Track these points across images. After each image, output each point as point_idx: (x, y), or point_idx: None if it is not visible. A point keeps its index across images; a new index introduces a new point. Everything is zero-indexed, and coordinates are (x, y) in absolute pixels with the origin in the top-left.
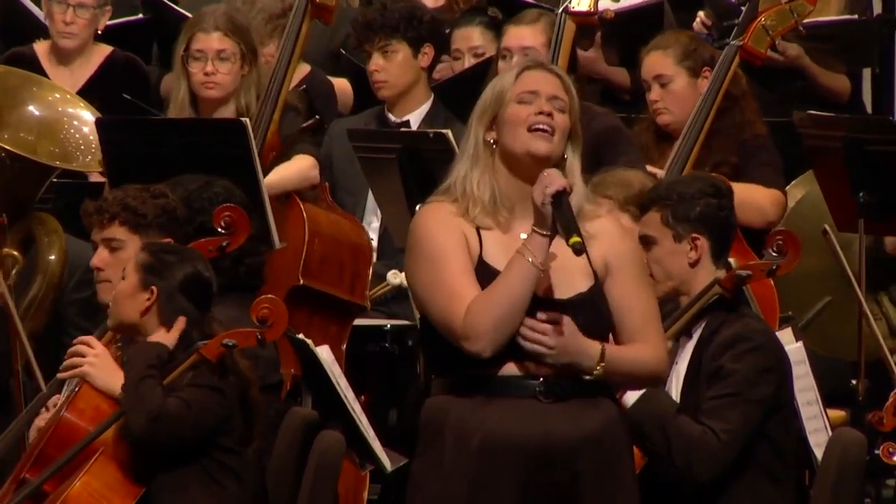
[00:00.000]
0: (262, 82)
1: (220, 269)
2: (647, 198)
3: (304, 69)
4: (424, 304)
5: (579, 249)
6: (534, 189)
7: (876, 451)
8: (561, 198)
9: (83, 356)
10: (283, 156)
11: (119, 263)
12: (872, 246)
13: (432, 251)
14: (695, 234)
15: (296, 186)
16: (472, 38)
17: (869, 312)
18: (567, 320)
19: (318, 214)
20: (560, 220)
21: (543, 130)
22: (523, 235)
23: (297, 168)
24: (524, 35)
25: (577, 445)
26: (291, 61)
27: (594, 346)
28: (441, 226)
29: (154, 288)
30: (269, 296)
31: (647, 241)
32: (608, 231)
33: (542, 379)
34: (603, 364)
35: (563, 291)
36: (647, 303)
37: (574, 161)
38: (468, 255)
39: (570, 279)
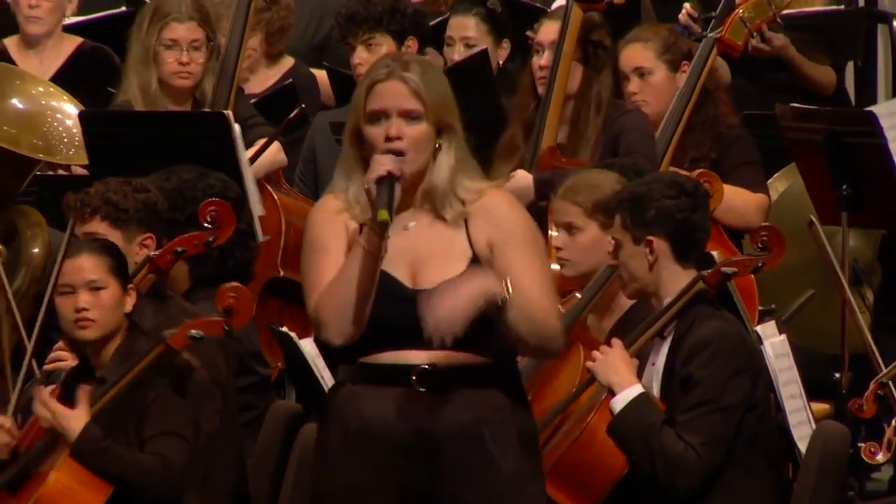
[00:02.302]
0: (216, 66)
1: (208, 260)
2: (614, 200)
3: (287, 62)
4: (304, 294)
5: (383, 224)
6: (365, 178)
7: (860, 444)
8: (382, 181)
9: (68, 351)
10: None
11: None
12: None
13: (311, 243)
14: (650, 237)
15: (267, 172)
16: (466, 28)
17: (854, 306)
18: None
19: (288, 202)
20: (375, 199)
21: (396, 154)
22: (411, 224)
23: (267, 153)
24: (556, 30)
25: (444, 437)
26: (243, 41)
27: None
28: (324, 218)
29: (132, 288)
30: (234, 284)
31: (615, 246)
32: (488, 206)
33: (422, 367)
34: (510, 289)
35: (432, 279)
36: (539, 279)
37: (447, 151)
38: (345, 248)
39: (444, 265)
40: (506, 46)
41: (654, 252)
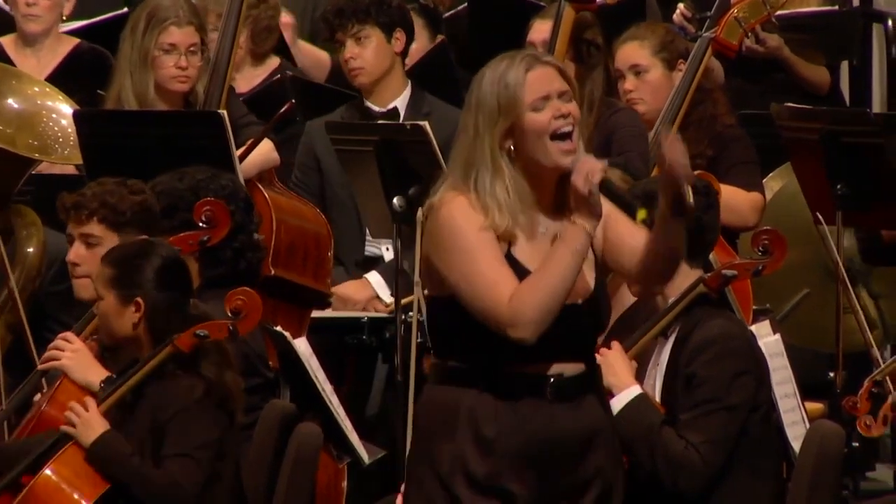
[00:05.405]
0: (206, 68)
1: (221, 260)
2: (627, 197)
3: (273, 62)
4: (463, 295)
5: (650, 221)
6: (574, 178)
7: (854, 444)
8: (605, 182)
9: (62, 350)
10: (234, 138)
11: (96, 259)
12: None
13: (467, 243)
14: None
15: (259, 171)
16: None
17: (856, 304)
18: None
19: (280, 201)
20: (616, 202)
21: (567, 134)
22: (542, 230)
23: (260, 153)
24: (547, 29)
25: (585, 439)
26: (234, 43)
27: None
28: (471, 220)
29: (139, 300)
30: (245, 288)
31: None
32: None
33: (552, 379)
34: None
35: (577, 294)
36: None
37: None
38: (500, 249)
39: (583, 277)
40: (438, 41)
41: None
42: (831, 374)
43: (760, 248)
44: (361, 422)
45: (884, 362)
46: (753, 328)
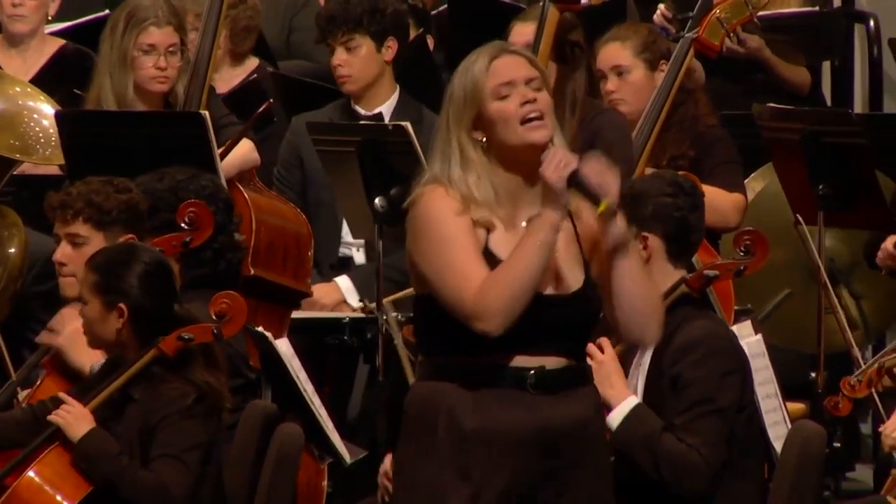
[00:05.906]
0: (186, 68)
1: (202, 261)
2: None
3: (252, 62)
4: (434, 286)
5: (612, 212)
6: (543, 168)
7: (836, 445)
8: (576, 175)
9: (60, 329)
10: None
11: (82, 258)
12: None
13: (442, 234)
14: (644, 233)
15: (239, 171)
16: None
17: (837, 304)
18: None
19: (260, 201)
20: (584, 194)
21: (537, 118)
22: (523, 223)
23: (240, 153)
24: (528, 32)
25: (569, 433)
26: (214, 43)
27: None
28: (448, 210)
29: (122, 306)
30: (229, 291)
31: None
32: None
33: (532, 371)
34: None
35: (563, 287)
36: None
37: (557, 132)
38: (476, 239)
39: (569, 273)
40: (419, 33)
41: (648, 249)
42: (813, 375)
43: (742, 249)
44: (343, 422)
45: (865, 362)
46: (735, 328)
